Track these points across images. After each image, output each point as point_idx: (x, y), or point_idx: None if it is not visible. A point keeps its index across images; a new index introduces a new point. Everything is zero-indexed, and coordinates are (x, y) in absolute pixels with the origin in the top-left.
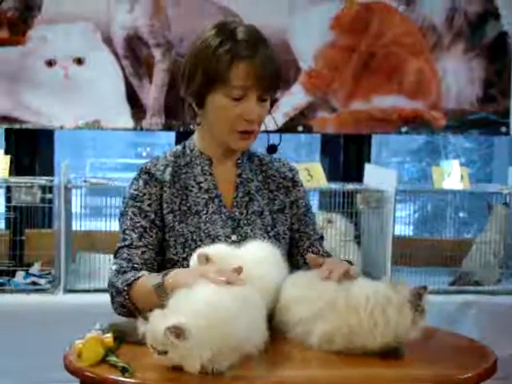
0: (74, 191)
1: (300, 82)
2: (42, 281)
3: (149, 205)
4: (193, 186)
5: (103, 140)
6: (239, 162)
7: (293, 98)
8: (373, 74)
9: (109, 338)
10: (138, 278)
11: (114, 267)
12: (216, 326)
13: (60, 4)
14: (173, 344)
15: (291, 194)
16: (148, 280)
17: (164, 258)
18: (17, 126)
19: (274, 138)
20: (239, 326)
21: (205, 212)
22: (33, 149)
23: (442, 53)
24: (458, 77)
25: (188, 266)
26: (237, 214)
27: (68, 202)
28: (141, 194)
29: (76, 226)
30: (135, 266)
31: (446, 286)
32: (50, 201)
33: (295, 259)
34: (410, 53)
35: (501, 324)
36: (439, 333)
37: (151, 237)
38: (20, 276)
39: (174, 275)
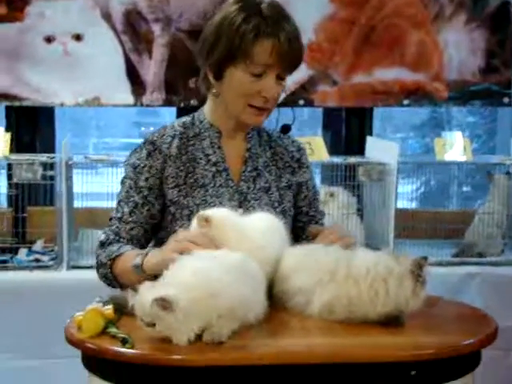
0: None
1: None
2: (45, 258)
3: (146, 179)
4: (200, 158)
5: (106, 120)
6: (249, 136)
7: (293, 72)
8: (374, 46)
9: (109, 309)
10: (121, 254)
11: (102, 237)
12: (206, 297)
13: None
14: (159, 316)
15: (296, 175)
16: (129, 258)
17: (170, 231)
18: (16, 103)
19: (284, 114)
20: (233, 296)
21: (212, 185)
22: (33, 126)
23: (443, 24)
24: (459, 48)
25: None
26: (244, 188)
27: (69, 179)
28: (142, 165)
29: (78, 203)
30: (121, 240)
31: (449, 257)
32: (52, 178)
33: (300, 238)
34: (411, 24)
35: (504, 295)
36: (441, 301)
37: (142, 213)
38: (23, 253)
39: (151, 256)
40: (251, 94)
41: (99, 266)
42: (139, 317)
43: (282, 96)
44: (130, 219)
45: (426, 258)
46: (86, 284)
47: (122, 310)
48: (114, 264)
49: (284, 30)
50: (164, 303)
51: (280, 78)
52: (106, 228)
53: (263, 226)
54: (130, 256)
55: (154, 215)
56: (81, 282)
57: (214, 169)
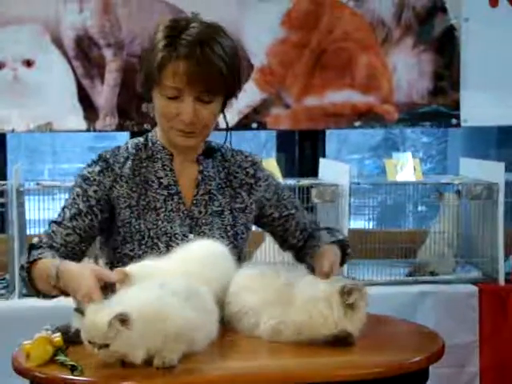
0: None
1: (253, 79)
2: None
3: (94, 191)
4: (153, 181)
5: (61, 146)
6: (201, 157)
7: (246, 95)
8: (325, 69)
9: (57, 337)
10: (40, 258)
11: (35, 240)
12: (155, 319)
13: (7, 6)
14: (118, 333)
15: (254, 193)
16: (46, 265)
17: (120, 252)
18: None
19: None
20: (180, 319)
21: (163, 209)
22: None
23: (391, 47)
24: (408, 70)
25: None
26: (195, 212)
27: (21, 205)
28: (91, 179)
29: (31, 230)
30: (54, 244)
31: (402, 276)
32: (3, 205)
33: (290, 243)
34: (360, 48)
35: (457, 313)
36: (388, 320)
37: (83, 221)
38: None
39: (67, 272)
40: (171, 117)
41: (19, 268)
42: (90, 339)
43: (232, 113)
44: (69, 224)
45: (356, 285)
46: (38, 312)
47: (71, 338)
48: (32, 267)
49: (198, 52)
50: (123, 318)
51: (203, 101)
52: (42, 231)
53: (201, 255)
54: (48, 263)
55: (94, 227)
56: (33, 311)
57: (165, 192)
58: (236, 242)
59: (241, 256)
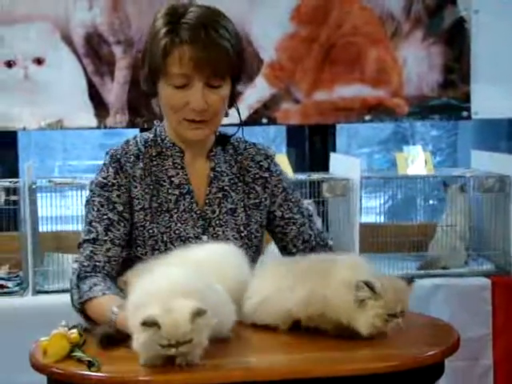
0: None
1: (263, 74)
2: (10, 283)
3: (118, 196)
4: (164, 181)
5: (71, 143)
6: (212, 153)
7: (256, 91)
8: (334, 64)
9: (74, 333)
10: (91, 298)
11: (75, 266)
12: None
13: (17, 4)
14: (199, 325)
15: (269, 187)
16: (102, 310)
17: (131, 254)
18: None
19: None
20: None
21: (176, 211)
22: None
23: (401, 41)
24: (418, 64)
25: None
26: (209, 212)
27: (33, 203)
28: (110, 184)
29: (43, 227)
30: (97, 264)
31: (414, 270)
32: (16, 202)
33: (289, 251)
34: (369, 42)
35: (469, 306)
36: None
37: (118, 230)
38: None
39: (123, 318)
40: (180, 108)
41: (72, 304)
42: (171, 339)
43: (242, 108)
44: (106, 238)
45: (366, 282)
46: (52, 309)
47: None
48: (86, 307)
49: (202, 35)
50: (200, 310)
51: (212, 87)
52: (78, 255)
53: (207, 259)
54: (102, 305)
55: (128, 233)
56: (47, 307)
57: (177, 192)
58: (250, 242)
59: (256, 255)
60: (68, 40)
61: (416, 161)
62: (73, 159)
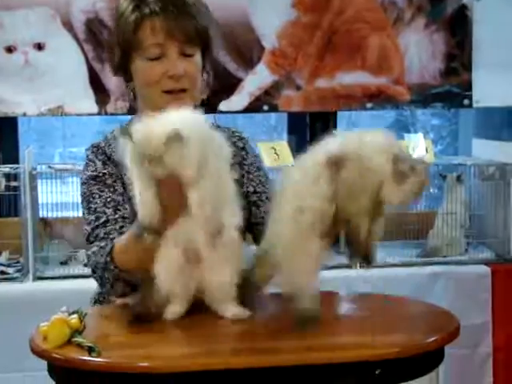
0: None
1: (264, 61)
2: (11, 269)
3: (114, 181)
4: None
5: (71, 130)
6: None
7: (257, 78)
8: (336, 50)
9: (74, 318)
10: (114, 244)
11: (93, 249)
12: (209, 140)
13: None
14: (173, 146)
15: (245, 164)
16: (125, 236)
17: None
18: None
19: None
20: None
21: None
22: None
23: (403, 28)
24: (419, 51)
25: None
26: None
27: (34, 189)
28: (101, 174)
29: (43, 213)
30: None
31: (414, 258)
32: (16, 188)
33: (260, 225)
34: (371, 29)
35: (469, 294)
36: (403, 300)
37: (126, 209)
38: None
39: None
40: (158, 79)
41: (103, 274)
42: (143, 151)
43: (244, 95)
44: (117, 216)
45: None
46: (52, 295)
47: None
48: (115, 253)
49: (170, 6)
50: (178, 133)
51: (186, 55)
52: (92, 243)
53: None
54: (125, 235)
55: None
56: (47, 293)
57: None
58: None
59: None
60: (68, 25)
61: (417, 148)
62: (73, 146)
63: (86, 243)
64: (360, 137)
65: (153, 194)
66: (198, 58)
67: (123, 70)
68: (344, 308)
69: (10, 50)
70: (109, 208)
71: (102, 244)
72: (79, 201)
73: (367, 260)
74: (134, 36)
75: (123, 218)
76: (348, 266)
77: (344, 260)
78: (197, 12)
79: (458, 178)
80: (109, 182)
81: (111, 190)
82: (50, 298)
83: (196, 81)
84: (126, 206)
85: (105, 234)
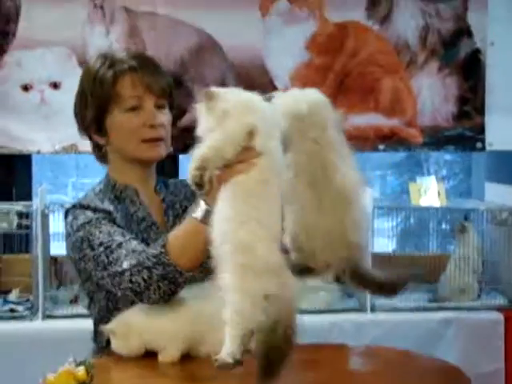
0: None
1: None
2: (20, 307)
3: (108, 220)
4: (131, 215)
5: (84, 159)
6: (158, 188)
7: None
8: (349, 92)
9: (81, 370)
10: (167, 236)
11: (130, 262)
12: None
13: (35, 29)
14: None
15: None
16: (181, 227)
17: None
18: None
19: None
20: None
21: (149, 240)
22: (10, 173)
23: (416, 71)
24: (432, 94)
25: None
26: None
27: (46, 227)
28: (94, 219)
29: (54, 250)
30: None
31: (425, 302)
32: (28, 226)
33: None
34: (384, 71)
35: (481, 341)
36: (410, 355)
37: (133, 236)
38: None
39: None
40: (137, 130)
41: (153, 270)
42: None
43: None
44: (129, 236)
45: None
46: (61, 334)
47: None
48: (170, 245)
49: (143, 63)
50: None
51: (159, 107)
52: (118, 260)
53: None
54: (180, 230)
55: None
56: (56, 333)
57: (144, 224)
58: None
59: None
60: (84, 65)
61: (429, 191)
62: (86, 177)
63: (101, 273)
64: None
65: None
66: (167, 110)
67: (97, 124)
68: (354, 363)
69: (26, 88)
70: (118, 234)
71: (140, 249)
72: (75, 252)
73: (389, 290)
74: (113, 89)
75: (135, 237)
76: (358, 310)
77: (354, 304)
78: (164, 70)
79: (471, 222)
80: (105, 222)
81: (110, 225)
82: (59, 338)
83: (168, 130)
84: (132, 235)
85: (127, 249)
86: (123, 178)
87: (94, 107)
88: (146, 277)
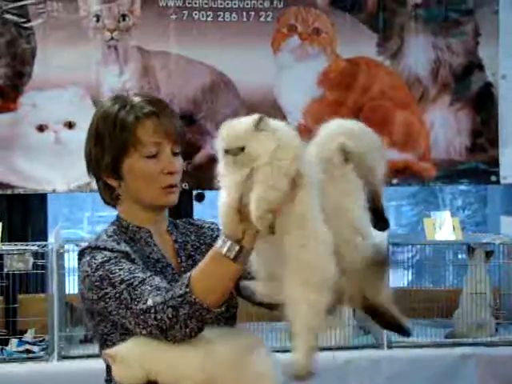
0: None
1: None
2: (36, 348)
3: (129, 260)
4: (147, 257)
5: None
6: (170, 229)
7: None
8: None
9: None
10: (190, 274)
11: (155, 299)
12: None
13: (49, 70)
14: (255, 134)
15: None
16: (206, 263)
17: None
18: (8, 192)
19: None
20: None
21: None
22: (25, 213)
23: (428, 105)
24: (445, 128)
25: None
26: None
27: (61, 266)
28: (113, 257)
29: (70, 289)
30: (165, 286)
31: (442, 338)
32: (43, 266)
33: None
34: (397, 105)
35: (500, 376)
36: None
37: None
38: (13, 344)
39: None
40: (156, 176)
41: (178, 311)
42: (226, 146)
43: None
44: (149, 274)
45: None
46: (77, 376)
47: None
48: (193, 285)
49: (161, 108)
50: (262, 118)
51: (175, 154)
52: (141, 298)
53: None
54: (204, 263)
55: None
56: (72, 374)
57: (159, 265)
58: (231, 302)
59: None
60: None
61: (443, 226)
62: (101, 210)
63: (124, 312)
64: None
65: (238, 198)
66: (180, 156)
67: (113, 168)
68: None
69: (41, 128)
70: (137, 273)
71: (163, 286)
72: (94, 292)
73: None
74: (134, 134)
75: (156, 274)
76: (375, 347)
77: (370, 340)
78: (177, 114)
79: (488, 255)
80: (124, 260)
81: (130, 263)
82: (74, 379)
83: (180, 176)
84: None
85: (151, 286)
86: (136, 220)
87: (113, 151)
88: (171, 315)
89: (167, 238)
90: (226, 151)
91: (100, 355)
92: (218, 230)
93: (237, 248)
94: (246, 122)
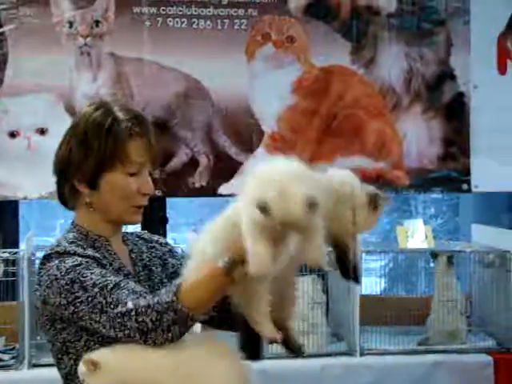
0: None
1: (263, 145)
2: (6, 356)
3: (99, 265)
4: (110, 264)
5: None
6: (125, 239)
7: (257, 161)
8: (335, 135)
9: None
10: (181, 283)
11: (136, 302)
12: None
13: (22, 76)
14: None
15: (174, 256)
16: (199, 273)
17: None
18: None
19: None
20: None
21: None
22: None
23: (401, 113)
24: (418, 136)
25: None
26: (147, 288)
27: (32, 274)
28: (84, 262)
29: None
30: (143, 291)
31: (414, 346)
32: (14, 273)
33: None
34: (370, 114)
35: (471, 383)
36: None
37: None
38: None
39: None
40: (132, 195)
41: (161, 316)
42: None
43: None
44: (122, 278)
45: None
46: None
47: None
48: (181, 293)
49: (149, 128)
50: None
51: (150, 175)
52: (116, 301)
53: None
54: (197, 272)
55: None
56: (42, 382)
57: (121, 274)
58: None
59: None
60: (71, 111)
61: (416, 234)
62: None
63: (98, 316)
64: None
65: (265, 245)
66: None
67: (91, 178)
68: None
69: (13, 135)
70: (109, 276)
71: (138, 290)
72: (63, 296)
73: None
74: (124, 150)
75: (129, 278)
76: (348, 354)
77: (343, 347)
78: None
79: (449, 260)
80: (94, 265)
81: (101, 268)
82: None
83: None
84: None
85: (129, 290)
86: (95, 229)
87: (98, 160)
88: (154, 319)
89: (123, 247)
90: (263, 210)
91: (56, 365)
92: (167, 244)
93: (232, 261)
94: (297, 195)
